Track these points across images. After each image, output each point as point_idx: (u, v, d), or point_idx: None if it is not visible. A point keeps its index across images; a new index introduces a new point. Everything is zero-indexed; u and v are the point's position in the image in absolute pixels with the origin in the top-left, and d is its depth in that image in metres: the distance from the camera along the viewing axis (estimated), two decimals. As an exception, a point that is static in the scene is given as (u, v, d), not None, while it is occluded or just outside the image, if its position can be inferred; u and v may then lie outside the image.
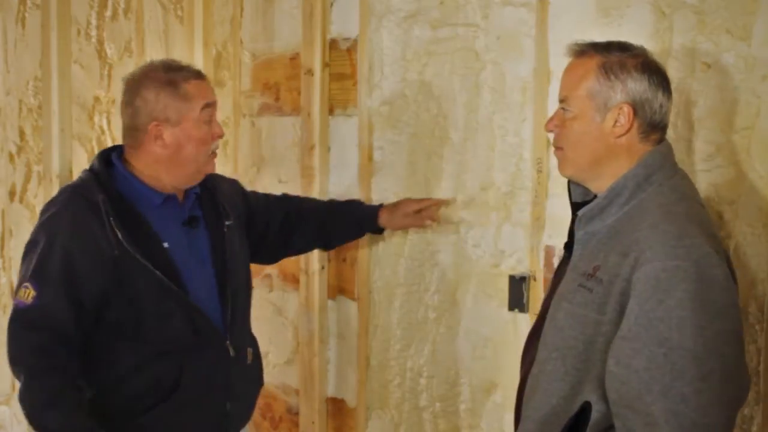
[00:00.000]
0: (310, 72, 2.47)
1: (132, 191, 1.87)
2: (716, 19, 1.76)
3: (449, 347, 2.27)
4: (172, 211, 1.92)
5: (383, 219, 2.26)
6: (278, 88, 2.62)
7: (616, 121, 1.47)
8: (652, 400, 1.33)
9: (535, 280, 2.07)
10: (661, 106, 1.47)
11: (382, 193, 2.38)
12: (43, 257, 1.77)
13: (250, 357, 2.04)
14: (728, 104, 1.76)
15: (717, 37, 1.76)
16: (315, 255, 2.50)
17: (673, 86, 1.82)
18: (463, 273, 2.23)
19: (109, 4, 3.08)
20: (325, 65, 2.47)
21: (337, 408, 2.56)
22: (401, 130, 2.33)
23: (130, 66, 3.01)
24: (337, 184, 2.50)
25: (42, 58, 3.21)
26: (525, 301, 2.08)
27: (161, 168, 1.87)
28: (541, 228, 2.05)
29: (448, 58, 2.21)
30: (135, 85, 1.87)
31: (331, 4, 2.47)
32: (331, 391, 2.57)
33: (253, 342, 2.09)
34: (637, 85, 1.46)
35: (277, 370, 2.71)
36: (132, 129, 1.87)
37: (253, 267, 2.71)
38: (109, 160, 1.91)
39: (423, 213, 2.22)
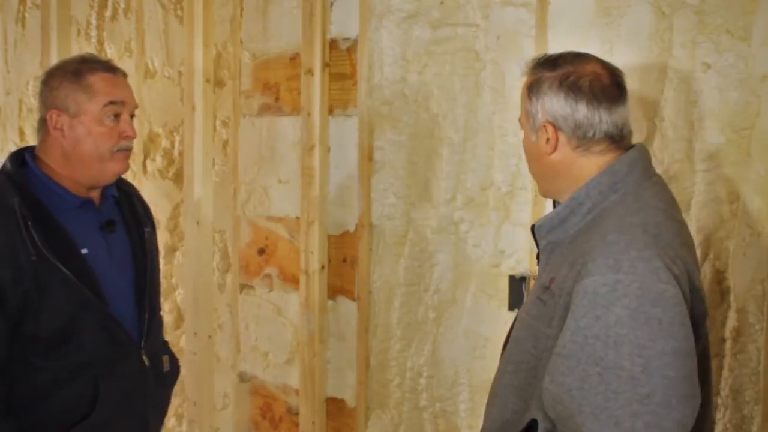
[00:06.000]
0: (310, 72, 2.47)
1: (48, 194, 1.79)
2: (716, 19, 1.76)
3: (449, 347, 2.27)
4: (89, 215, 1.85)
5: None
6: (278, 88, 2.62)
7: (546, 140, 1.47)
8: (582, 421, 1.28)
9: (534, 280, 2.07)
10: (586, 118, 1.43)
11: (381, 193, 2.38)
12: None
13: (166, 364, 1.97)
14: (728, 104, 1.76)
15: (717, 37, 1.77)
16: (315, 255, 2.50)
17: (672, 86, 1.83)
18: (463, 273, 2.23)
19: (109, 4, 3.08)
20: (325, 65, 2.47)
21: (337, 408, 2.56)
22: (401, 130, 2.33)
23: (130, 66, 3.01)
24: (337, 184, 2.50)
25: (42, 58, 3.21)
26: (525, 301, 2.09)
27: (67, 162, 1.80)
28: (541, 228, 2.05)
29: (448, 58, 2.21)
30: (46, 74, 1.85)
31: (331, 4, 2.47)
32: (330, 391, 2.57)
33: (167, 348, 2.04)
34: (553, 103, 1.45)
35: (277, 370, 2.71)
36: (41, 120, 1.83)
37: (253, 267, 2.73)
38: (23, 160, 1.83)
39: None
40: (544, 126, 1.47)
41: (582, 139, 1.44)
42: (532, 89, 1.49)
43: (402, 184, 2.34)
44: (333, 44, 2.47)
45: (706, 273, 1.81)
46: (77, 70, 1.81)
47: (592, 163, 1.45)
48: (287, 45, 2.58)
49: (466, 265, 2.22)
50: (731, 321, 1.79)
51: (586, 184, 1.44)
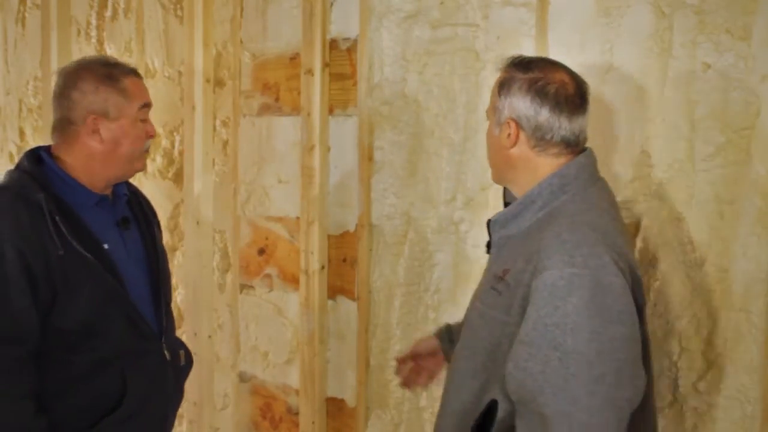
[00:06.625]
0: (310, 72, 2.47)
1: (67, 191, 1.82)
2: (716, 19, 1.76)
3: (449, 347, 2.27)
4: (105, 211, 1.89)
5: None
6: (278, 88, 2.62)
7: (508, 135, 1.57)
8: (544, 401, 1.39)
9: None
10: (547, 121, 1.54)
11: (381, 193, 2.38)
12: None
13: (182, 359, 2.01)
14: (728, 104, 1.76)
15: (717, 37, 1.77)
16: (315, 255, 2.50)
17: (672, 86, 1.83)
18: (462, 273, 2.23)
19: (109, 4, 3.08)
20: (325, 65, 2.47)
21: (337, 408, 2.56)
22: (401, 130, 2.33)
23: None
24: (337, 184, 2.51)
25: (42, 58, 3.21)
26: (525, 301, 2.08)
27: (95, 163, 1.84)
28: (541, 228, 2.05)
29: (448, 58, 2.21)
30: (72, 77, 1.84)
31: (331, 4, 2.47)
32: (330, 391, 2.57)
33: (182, 344, 2.08)
34: (519, 103, 1.55)
35: (277, 370, 2.71)
36: (67, 122, 1.83)
37: (253, 267, 2.73)
38: (40, 158, 1.86)
39: None
40: (508, 122, 1.57)
41: (540, 140, 1.55)
42: (503, 87, 1.59)
43: (402, 184, 2.34)
44: (333, 44, 2.47)
45: (707, 273, 1.81)
46: (111, 75, 1.83)
47: (546, 164, 1.56)
48: (287, 45, 2.58)
49: (466, 265, 2.22)
50: (732, 321, 1.79)
51: (539, 184, 1.55)
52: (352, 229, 2.47)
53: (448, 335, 1.93)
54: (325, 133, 2.49)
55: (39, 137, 3.30)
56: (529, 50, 2.04)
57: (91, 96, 1.81)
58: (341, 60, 2.46)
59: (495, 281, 1.54)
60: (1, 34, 3.51)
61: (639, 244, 1.90)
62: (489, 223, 1.64)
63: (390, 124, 2.35)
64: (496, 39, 2.12)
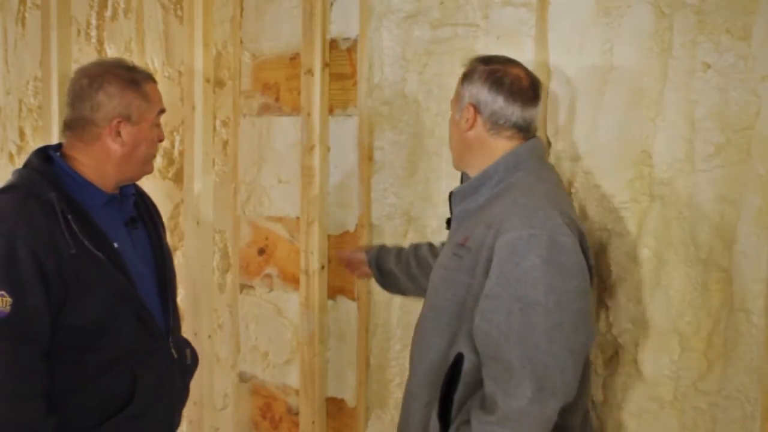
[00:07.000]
0: (310, 72, 2.47)
1: (77, 190, 1.83)
2: (716, 19, 1.77)
3: (449, 347, 2.27)
4: (114, 211, 1.90)
5: None
6: (278, 88, 2.62)
7: (466, 119, 1.75)
8: (509, 348, 1.55)
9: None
10: (501, 108, 1.72)
11: (381, 192, 2.38)
12: (8, 261, 1.67)
13: (188, 357, 2.03)
14: (728, 104, 1.76)
15: (717, 37, 1.77)
16: (315, 255, 2.50)
17: (672, 86, 1.83)
18: (463, 273, 2.23)
19: (109, 4, 3.08)
20: (325, 65, 2.47)
21: (337, 408, 2.56)
22: (401, 130, 2.33)
23: (130, 66, 3.01)
24: (337, 184, 2.51)
25: (42, 58, 3.21)
26: (525, 300, 2.09)
27: (111, 164, 1.85)
28: (541, 228, 2.05)
29: (448, 58, 2.21)
30: (97, 79, 1.84)
31: (331, 4, 2.47)
32: (330, 391, 2.57)
33: (188, 342, 2.09)
34: (478, 90, 1.74)
35: (276, 370, 2.71)
36: (87, 123, 1.83)
37: (253, 267, 2.73)
38: (49, 156, 1.86)
39: None
40: (468, 107, 1.75)
41: (494, 124, 1.74)
42: (466, 77, 1.77)
43: (402, 184, 2.34)
44: (333, 44, 2.47)
45: (707, 273, 1.81)
46: (135, 79, 1.86)
47: (500, 146, 1.74)
48: (287, 45, 2.58)
49: (466, 265, 2.22)
50: (732, 321, 1.79)
51: (495, 162, 1.73)
52: (352, 229, 2.47)
53: (377, 261, 2.19)
54: (325, 133, 2.49)
55: (39, 137, 3.30)
56: (529, 50, 2.05)
57: (116, 99, 1.83)
58: (341, 60, 2.46)
59: (457, 248, 1.70)
60: (1, 34, 3.51)
61: (638, 243, 1.90)
62: (451, 195, 1.79)
63: (390, 124, 2.35)
64: (496, 39, 2.12)
